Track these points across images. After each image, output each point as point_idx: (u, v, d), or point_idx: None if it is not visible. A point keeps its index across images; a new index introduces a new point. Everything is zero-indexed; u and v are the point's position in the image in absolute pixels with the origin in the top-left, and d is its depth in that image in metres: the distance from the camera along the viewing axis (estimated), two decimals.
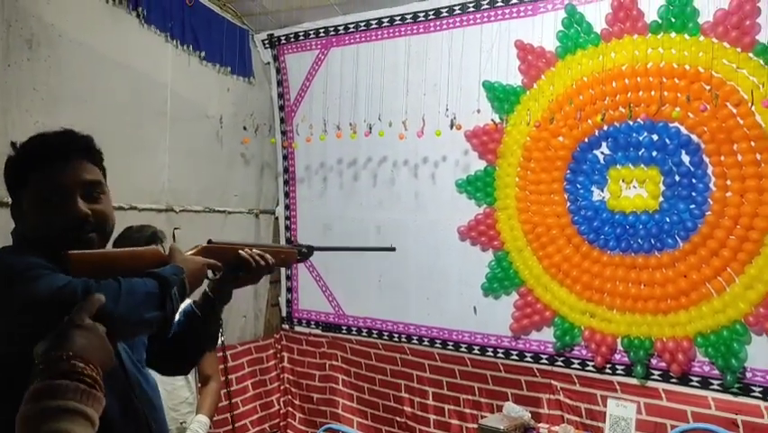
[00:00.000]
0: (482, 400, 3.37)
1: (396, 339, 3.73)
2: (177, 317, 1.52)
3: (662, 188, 2.86)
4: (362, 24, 3.75)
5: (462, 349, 3.47)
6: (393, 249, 2.03)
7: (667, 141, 2.82)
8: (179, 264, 1.27)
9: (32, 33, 2.73)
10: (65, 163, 1.25)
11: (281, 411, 4.12)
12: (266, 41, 4.11)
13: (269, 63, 4.15)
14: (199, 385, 2.59)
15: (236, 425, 3.77)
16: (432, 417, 3.53)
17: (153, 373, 2.16)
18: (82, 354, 0.89)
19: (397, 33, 3.64)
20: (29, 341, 1.10)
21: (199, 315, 1.49)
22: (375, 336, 3.81)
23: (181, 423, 2.39)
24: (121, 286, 1.11)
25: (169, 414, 2.33)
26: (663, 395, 2.85)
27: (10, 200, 1.34)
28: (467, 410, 3.42)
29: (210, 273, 1.45)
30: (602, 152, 3.02)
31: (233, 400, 3.72)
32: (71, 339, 0.91)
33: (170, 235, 3.23)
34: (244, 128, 3.99)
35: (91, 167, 1.31)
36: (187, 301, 1.50)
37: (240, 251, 1.44)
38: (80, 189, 1.26)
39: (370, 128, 3.56)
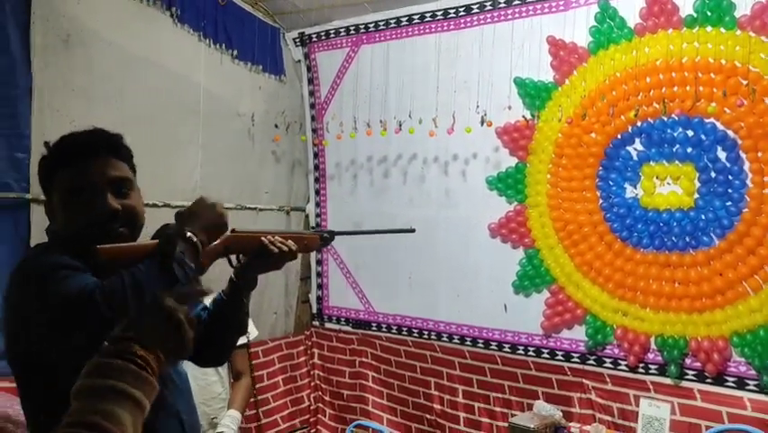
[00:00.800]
0: (513, 398, 3.35)
1: (426, 337, 3.73)
2: (207, 305, 1.56)
3: (698, 184, 2.80)
4: (392, 22, 3.75)
5: (493, 347, 3.45)
6: (413, 230, 2.05)
7: (703, 137, 2.77)
8: (186, 226, 1.27)
9: (67, 34, 2.79)
10: (93, 160, 1.29)
11: (311, 407, 4.16)
12: (297, 40, 4.14)
13: (299, 61, 4.18)
14: (231, 381, 2.63)
15: (267, 420, 3.82)
16: (462, 414, 3.53)
17: (189, 368, 2.21)
18: (144, 338, 0.90)
19: (427, 30, 3.64)
20: (48, 341, 1.14)
21: (227, 301, 1.52)
22: (405, 333, 3.82)
23: (213, 418, 2.43)
24: (126, 287, 1.12)
25: (201, 409, 2.38)
26: (698, 395, 2.80)
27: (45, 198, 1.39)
28: (497, 409, 3.41)
29: (234, 260, 1.49)
30: (635, 149, 2.98)
31: (261, 397, 3.76)
32: (140, 323, 0.92)
33: None
34: (275, 126, 4.03)
35: (120, 164, 1.34)
36: (216, 292, 1.55)
37: (262, 238, 1.47)
38: (109, 186, 1.30)
39: (401, 125, 3.57)
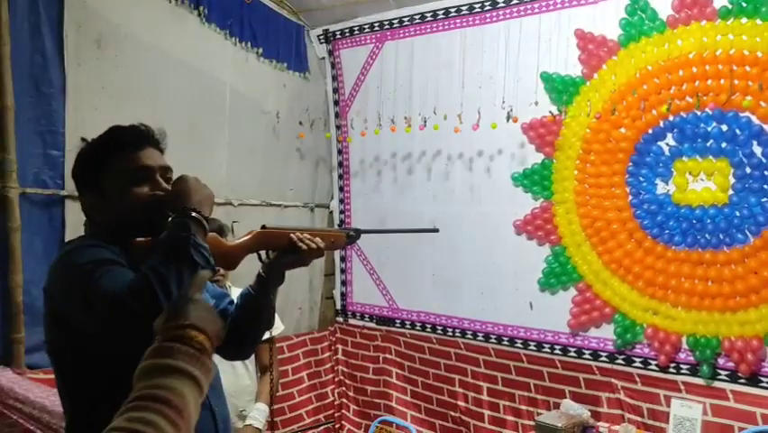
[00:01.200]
0: (538, 397, 3.32)
1: (450, 334, 3.71)
2: (234, 299, 1.57)
3: (732, 180, 2.74)
4: (417, 17, 3.73)
5: (518, 345, 3.42)
6: (436, 230, 2.06)
7: (737, 131, 2.70)
8: (183, 199, 1.27)
9: (100, 34, 2.83)
10: (145, 148, 1.34)
11: (336, 402, 4.17)
12: (321, 37, 4.14)
13: (324, 58, 4.18)
14: (258, 375, 2.64)
15: (292, 414, 3.84)
16: (486, 412, 3.50)
17: (218, 362, 2.22)
18: (196, 323, 0.93)
19: (452, 26, 3.61)
20: (87, 335, 1.16)
21: (254, 296, 1.54)
22: (429, 330, 3.81)
23: (241, 411, 2.45)
24: (151, 282, 1.13)
25: (230, 401, 2.39)
26: (731, 396, 2.75)
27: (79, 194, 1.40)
28: (522, 407, 3.38)
29: (264, 256, 1.52)
30: (667, 144, 2.92)
31: (287, 391, 3.79)
32: (186, 311, 0.95)
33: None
34: (300, 123, 4.04)
35: (162, 155, 1.40)
36: (247, 286, 1.58)
37: (291, 234, 1.49)
38: (159, 172, 1.35)
39: (425, 121, 3.55)
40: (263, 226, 1.50)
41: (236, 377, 2.47)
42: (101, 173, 1.32)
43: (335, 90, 4.18)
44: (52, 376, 1.39)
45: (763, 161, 2.65)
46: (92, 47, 2.79)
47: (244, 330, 1.55)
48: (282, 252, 1.51)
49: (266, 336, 2.54)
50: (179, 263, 1.16)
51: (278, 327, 2.70)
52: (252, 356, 2.57)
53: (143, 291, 1.11)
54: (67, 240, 1.94)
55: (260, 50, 3.70)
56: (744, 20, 2.64)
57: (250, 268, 1.64)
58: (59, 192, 2.71)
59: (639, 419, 2.97)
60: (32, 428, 2.11)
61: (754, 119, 2.66)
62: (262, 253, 1.54)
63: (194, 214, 1.24)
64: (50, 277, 1.28)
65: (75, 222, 1.40)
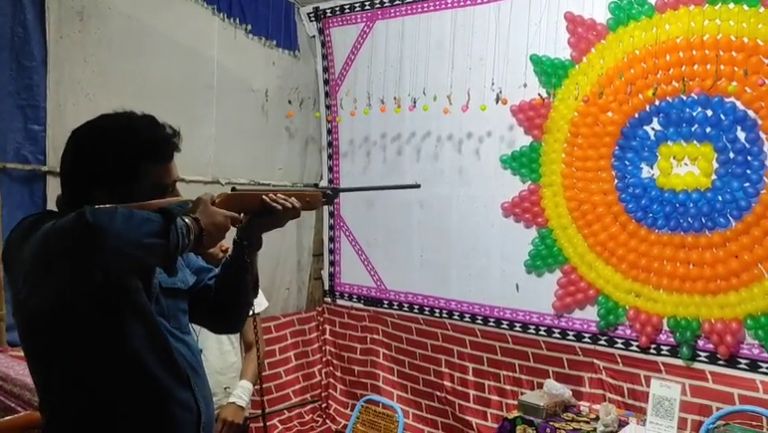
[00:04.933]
0: (523, 377, 3.36)
1: (437, 315, 3.74)
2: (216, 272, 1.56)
3: (716, 165, 2.76)
4: None
5: (504, 326, 3.46)
6: (418, 186, 1.98)
7: (722, 116, 2.72)
8: (198, 214, 1.25)
9: (82, 6, 2.80)
10: (174, 157, 1.33)
11: (323, 382, 4.20)
12: (311, 15, 4.11)
13: (314, 36, 4.15)
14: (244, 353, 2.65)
15: (279, 394, 3.87)
16: (472, 392, 3.54)
17: (206, 338, 2.22)
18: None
19: (443, 6, 3.59)
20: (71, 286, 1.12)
21: (233, 263, 1.51)
22: (416, 311, 3.83)
23: (225, 388, 2.46)
24: (117, 209, 1.10)
25: (216, 378, 2.41)
26: (710, 377, 2.79)
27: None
28: (507, 387, 3.42)
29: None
30: (653, 128, 2.94)
31: (273, 371, 3.81)
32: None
33: None
34: (289, 102, 4.02)
35: None
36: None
37: (264, 196, 1.44)
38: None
39: (415, 102, 3.54)
40: (233, 188, 1.43)
41: (222, 354, 2.47)
42: (128, 178, 1.26)
43: (325, 69, 4.16)
44: None
45: (747, 146, 2.67)
46: (74, 20, 2.76)
47: (227, 299, 1.53)
48: (256, 214, 1.45)
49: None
50: (155, 222, 1.13)
51: (262, 304, 2.70)
52: (238, 333, 2.58)
53: (105, 211, 1.08)
54: None
55: (249, 27, 3.67)
56: (731, 5, 2.64)
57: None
58: (41, 168, 2.69)
59: (620, 398, 3.02)
60: (12, 405, 2.11)
61: (739, 104, 2.68)
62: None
63: (200, 220, 1.24)
64: (12, 242, 1.21)
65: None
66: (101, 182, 1.25)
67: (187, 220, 1.20)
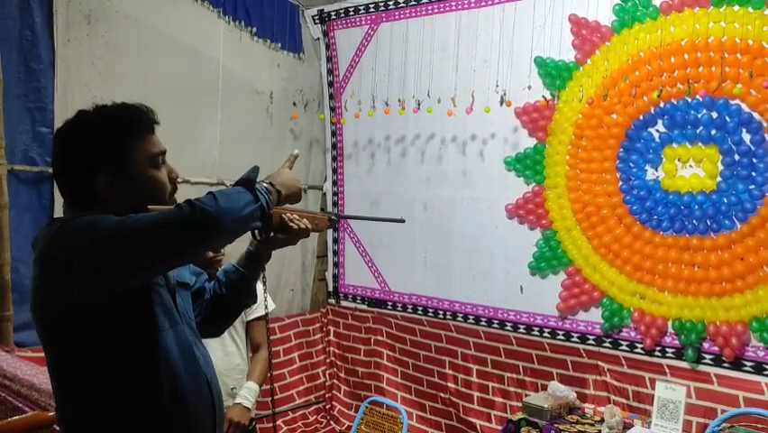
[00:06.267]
0: (527, 379, 3.36)
1: (441, 316, 3.74)
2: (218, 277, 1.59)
3: (721, 167, 2.76)
4: (412, 0, 3.71)
5: (508, 328, 3.46)
6: (402, 221, 2.07)
7: (727, 119, 2.72)
8: (270, 178, 1.40)
9: (89, 9, 2.81)
10: (154, 131, 1.37)
11: (327, 384, 4.21)
12: (316, 17, 4.12)
13: (318, 39, 4.17)
14: (250, 354, 2.66)
15: (283, 395, 3.88)
16: (475, 394, 3.55)
17: (210, 340, 2.24)
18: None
19: (447, 8, 3.60)
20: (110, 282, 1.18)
21: (242, 272, 1.57)
22: (420, 312, 3.84)
23: (232, 388, 2.47)
24: (215, 193, 1.22)
25: (221, 379, 2.41)
26: (715, 379, 2.79)
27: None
28: (511, 389, 3.43)
29: (256, 234, 1.55)
30: (658, 130, 2.94)
31: (278, 372, 3.81)
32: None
33: None
34: (294, 104, 4.03)
35: None
36: (229, 262, 1.61)
37: (283, 215, 1.51)
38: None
39: (419, 104, 3.55)
40: None
41: (226, 355, 2.48)
42: (119, 157, 1.29)
43: (330, 72, 4.17)
44: (41, 354, 1.37)
45: (752, 148, 2.67)
46: (82, 23, 2.78)
47: (224, 305, 1.59)
48: (275, 230, 1.52)
49: (260, 313, 2.58)
50: (245, 190, 1.28)
51: (270, 305, 2.71)
52: (243, 335, 2.59)
53: (204, 201, 1.19)
54: (56, 216, 1.93)
55: (254, 30, 3.68)
56: (736, 7, 2.64)
57: (239, 247, 1.65)
58: (48, 169, 2.70)
59: (624, 400, 3.02)
60: (20, 405, 2.12)
61: (744, 107, 2.68)
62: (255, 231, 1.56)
63: (265, 185, 1.36)
64: (52, 241, 1.23)
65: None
66: (97, 167, 1.28)
67: (265, 184, 1.35)
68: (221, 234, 1.23)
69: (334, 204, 4.25)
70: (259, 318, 2.62)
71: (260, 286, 1.70)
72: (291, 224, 1.51)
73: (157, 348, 1.27)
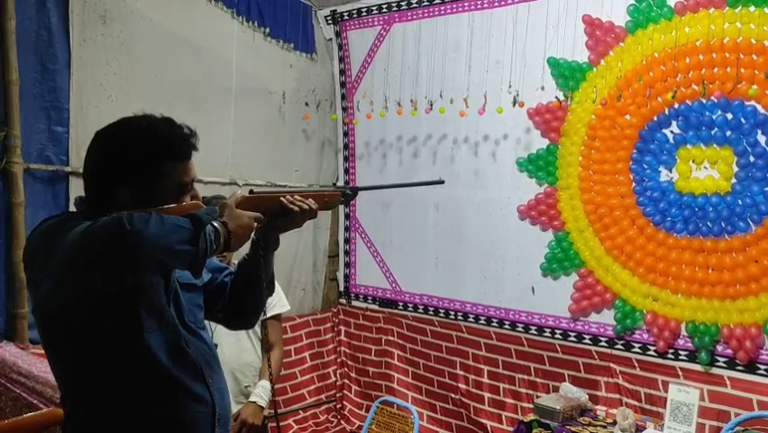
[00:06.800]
0: (538, 380, 3.35)
1: (452, 317, 3.74)
2: (231, 270, 1.59)
3: (736, 169, 2.74)
4: (425, 0, 3.71)
5: (519, 329, 3.45)
6: (442, 182, 1.98)
7: (742, 120, 2.70)
8: (225, 218, 1.31)
9: (105, 10, 2.84)
10: (191, 156, 1.36)
11: (338, 383, 4.22)
12: (329, 18, 4.13)
13: (331, 39, 4.17)
14: (264, 352, 2.67)
15: (294, 394, 3.89)
16: (486, 395, 3.54)
17: (224, 336, 2.25)
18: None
19: (460, 9, 3.59)
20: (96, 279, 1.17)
21: (250, 262, 1.55)
22: (431, 313, 3.84)
23: (246, 386, 2.48)
24: (152, 215, 1.15)
25: (234, 376, 2.43)
26: (728, 382, 2.77)
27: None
28: (522, 390, 3.42)
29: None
30: (672, 132, 2.92)
31: (289, 371, 3.83)
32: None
33: None
34: (306, 104, 4.04)
35: None
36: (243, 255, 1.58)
37: (281, 198, 1.46)
38: None
39: (431, 105, 3.55)
40: (251, 191, 1.45)
41: (240, 351, 2.49)
42: (151, 176, 1.30)
43: (342, 72, 4.18)
44: None
45: (767, 150, 2.65)
46: (97, 23, 2.80)
47: (243, 297, 1.58)
48: (274, 215, 1.47)
49: (274, 312, 2.59)
50: (188, 228, 1.19)
51: (285, 306, 2.72)
52: (259, 332, 2.59)
53: (140, 217, 1.13)
54: None
55: (267, 30, 3.70)
56: (752, 8, 2.62)
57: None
58: (64, 168, 2.73)
59: (637, 403, 3.01)
60: (34, 401, 2.15)
61: (760, 108, 2.65)
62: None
63: (228, 224, 1.30)
64: (46, 241, 1.23)
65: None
66: (126, 182, 1.28)
67: (216, 225, 1.25)
68: (140, 259, 1.13)
69: (346, 204, 4.25)
70: (275, 317, 2.62)
71: (278, 285, 1.69)
72: (292, 206, 1.46)
73: (142, 349, 1.27)
